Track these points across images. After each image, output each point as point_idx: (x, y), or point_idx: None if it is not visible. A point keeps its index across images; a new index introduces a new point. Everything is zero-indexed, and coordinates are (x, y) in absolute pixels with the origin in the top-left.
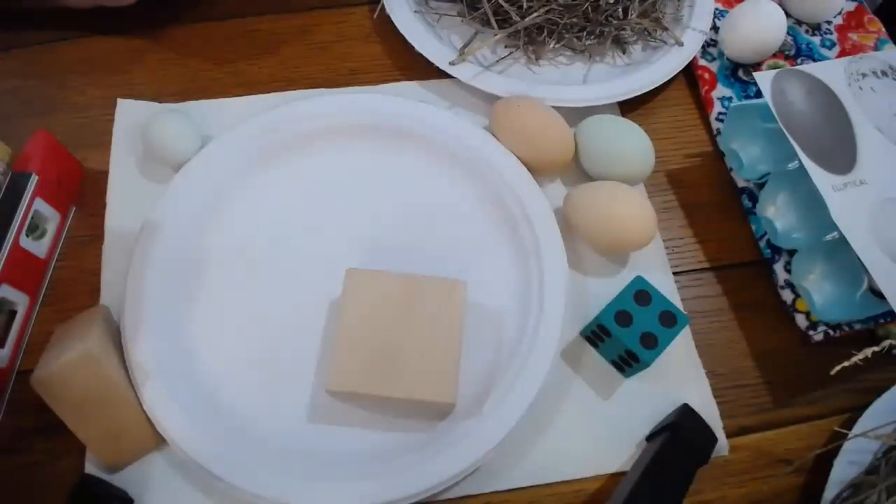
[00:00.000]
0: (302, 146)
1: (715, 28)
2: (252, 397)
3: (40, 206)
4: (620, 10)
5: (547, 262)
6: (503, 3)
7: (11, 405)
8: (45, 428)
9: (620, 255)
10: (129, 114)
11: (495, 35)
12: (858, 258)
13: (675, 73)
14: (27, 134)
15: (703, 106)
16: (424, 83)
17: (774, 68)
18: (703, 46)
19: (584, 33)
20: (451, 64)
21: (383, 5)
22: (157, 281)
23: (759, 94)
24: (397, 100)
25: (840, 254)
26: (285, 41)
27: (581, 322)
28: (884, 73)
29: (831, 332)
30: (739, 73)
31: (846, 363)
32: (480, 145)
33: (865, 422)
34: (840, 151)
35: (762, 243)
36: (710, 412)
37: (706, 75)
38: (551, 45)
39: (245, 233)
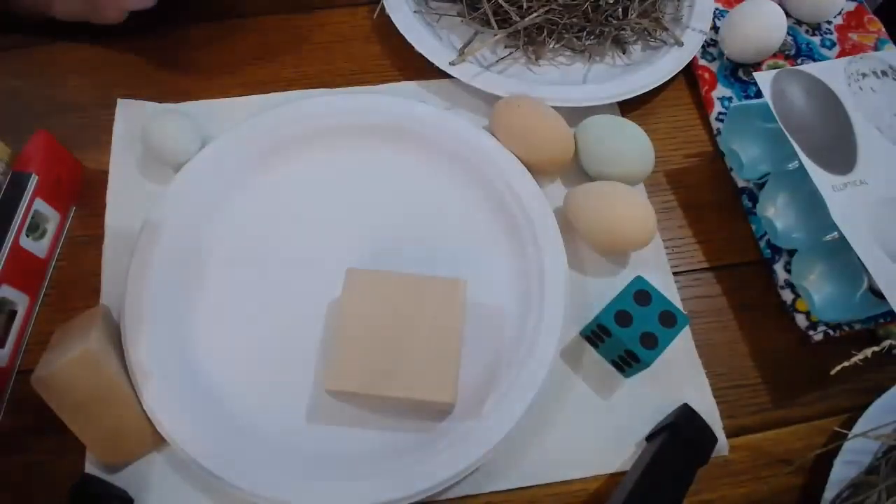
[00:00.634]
0: (302, 146)
1: (715, 28)
2: (252, 397)
3: (40, 206)
4: (620, 10)
5: (547, 262)
6: (503, 3)
7: (11, 405)
8: (45, 428)
9: (620, 255)
10: (129, 114)
11: (495, 35)
12: (858, 258)
13: (674, 73)
14: (27, 134)
15: (703, 106)
16: (424, 83)
17: (774, 68)
18: (702, 46)
19: (584, 33)
20: (451, 64)
21: (383, 5)
22: (157, 281)
23: (759, 94)
24: (397, 100)
25: (840, 254)
26: (285, 41)
27: (581, 322)
28: (884, 73)
29: (831, 332)
30: (739, 73)
31: (846, 363)
32: (480, 145)
33: (865, 422)
34: (840, 151)
35: (762, 243)
36: (710, 412)
37: (706, 75)
38: (551, 45)
39: (245, 233)
